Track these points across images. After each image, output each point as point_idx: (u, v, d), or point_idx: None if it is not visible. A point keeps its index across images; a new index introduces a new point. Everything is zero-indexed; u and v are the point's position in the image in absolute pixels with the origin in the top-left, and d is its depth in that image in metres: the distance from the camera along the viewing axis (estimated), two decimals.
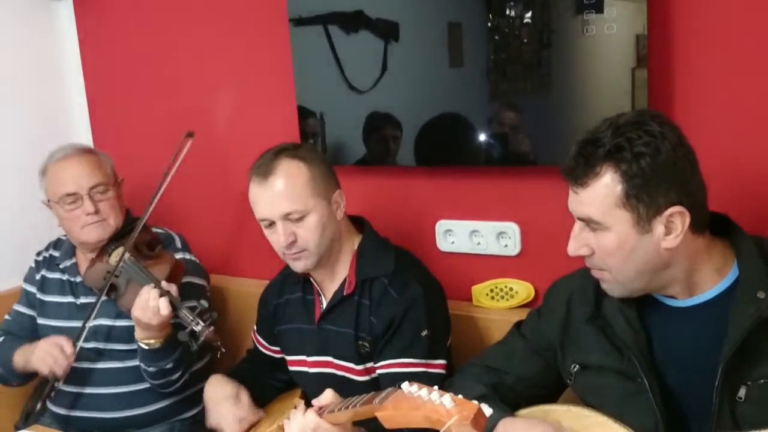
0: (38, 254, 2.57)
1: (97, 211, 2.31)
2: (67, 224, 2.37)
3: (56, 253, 2.51)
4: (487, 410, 1.28)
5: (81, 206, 2.31)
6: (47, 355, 2.22)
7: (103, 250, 2.32)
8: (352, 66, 2.36)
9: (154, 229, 2.41)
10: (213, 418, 2.08)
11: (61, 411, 2.42)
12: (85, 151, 2.41)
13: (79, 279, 2.41)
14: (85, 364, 2.37)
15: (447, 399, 1.29)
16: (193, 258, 2.48)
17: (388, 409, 1.39)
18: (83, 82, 3.12)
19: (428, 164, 2.35)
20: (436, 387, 1.34)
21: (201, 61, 2.79)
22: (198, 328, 2.06)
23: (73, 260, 2.46)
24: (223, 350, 2.14)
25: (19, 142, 2.93)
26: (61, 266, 2.46)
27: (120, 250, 2.23)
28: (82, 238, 2.36)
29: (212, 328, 2.07)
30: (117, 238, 2.33)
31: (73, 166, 2.34)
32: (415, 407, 1.33)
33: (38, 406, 2.28)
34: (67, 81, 3.12)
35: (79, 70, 3.11)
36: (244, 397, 2.08)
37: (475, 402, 1.28)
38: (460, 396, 1.30)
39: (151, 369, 2.22)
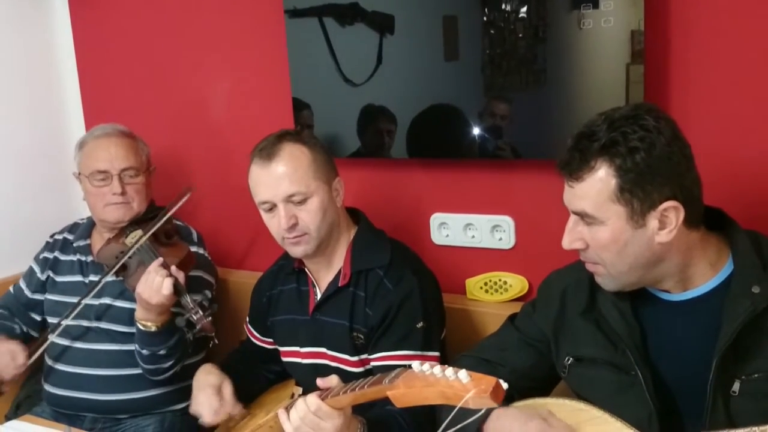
0: (51, 236, 2.61)
1: (123, 193, 2.37)
2: (91, 199, 2.42)
3: (70, 236, 2.56)
4: (505, 384, 1.28)
5: (109, 185, 2.38)
6: None
7: (122, 231, 2.38)
8: (347, 58, 2.36)
9: (175, 221, 2.47)
10: (193, 405, 2.09)
11: (51, 389, 2.43)
12: (125, 134, 2.47)
13: (90, 258, 2.46)
14: (82, 344, 2.40)
15: (463, 374, 1.28)
16: (206, 254, 2.52)
17: (399, 387, 1.39)
18: (77, 72, 3.11)
19: (423, 157, 2.36)
20: (447, 366, 1.34)
21: (196, 53, 2.79)
22: (196, 317, 2.12)
23: (88, 241, 2.51)
24: (217, 341, 2.18)
25: (13, 132, 2.93)
26: (74, 245, 2.51)
27: (138, 232, 2.29)
28: (102, 216, 2.41)
29: (210, 318, 2.13)
30: (137, 222, 2.38)
31: (110, 146, 2.40)
32: (429, 384, 1.33)
33: None
34: (61, 71, 3.11)
35: (72, 61, 3.10)
36: (227, 389, 2.07)
37: (493, 377, 1.28)
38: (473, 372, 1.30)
39: (144, 352, 2.24)
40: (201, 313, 2.12)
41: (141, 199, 2.41)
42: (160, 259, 2.16)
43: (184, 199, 2.30)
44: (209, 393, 2.05)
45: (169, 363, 2.28)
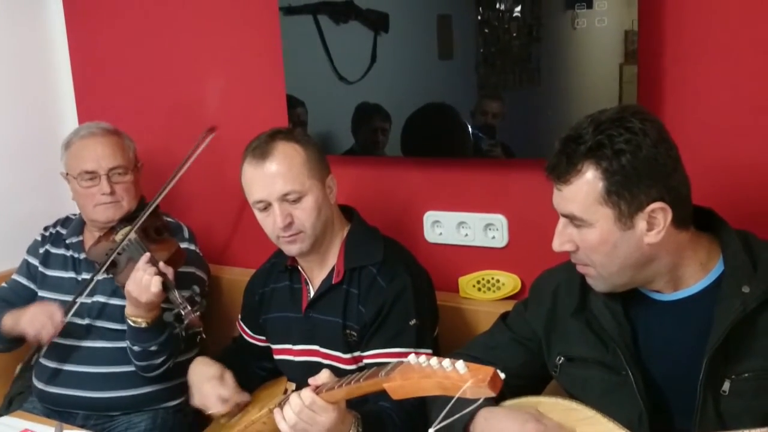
0: (45, 229, 2.60)
1: (112, 192, 2.36)
2: (80, 200, 2.41)
3: (63, 230, 2.55)
4: (502, 374, 1.29)
5: (98, 185, 2.36)
6: (36, 319, 2.25)
7: (112, 229, 2.37)
8: (341, 56, 2.36)
9: (165, 218, 2.46)
10: (197, 398, 2.09)
11: (43, 386, 2.42)
12: (111, 132, 2.45)
13: (83, 256, 2.45)
14: (75, 341, 2.39)
15: (460, 365, 1.29)
16: (197, 250, 2.52)
17: (396, 380, 1.39)
18: (70, 69, 3.10)
19: (417, 155, 2.36)
20: (444, 357, 1.35)
21: (191, 50, 2.78)
22: (184, 312, 2.10)
23: (80, 237, 2.50)
24: (204, 336, 2.18)
25: (6, 128, 2.93)
26: (67, 242, 2.50)
27: (127, 229, 2.27)
28: (92, 216, 2.40)
29: (198, 313, 2.12)
30: (127, 220, 2.37)
31: (97, 146, 2.39)
32: (426, 375, 1.34)
33: (18, 369, 2.34)
34: (55, 68, 3.10)
35: (66, 58, 3.10)
36: (229, 377, 2.08)
37: (490, 367, 1.29)
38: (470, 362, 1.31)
39: (136, 348, 2.24)
40: (189, 308, 2.11)
41: (130, 197, 2.40)
42: (148, 255, 2.16)
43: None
44: (214, 383, 2.05)
45: (161, 359, 2.27)
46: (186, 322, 2.11)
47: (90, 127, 2.45)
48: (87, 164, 2.36)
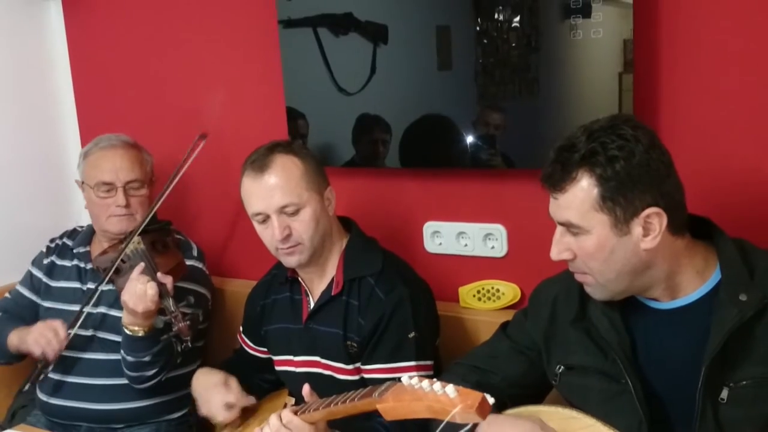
0: (51, 241, 2.61)
1: (127, 205, 2.38)
2: (94, 210, 2.43)
3: (69, 242, 2.56)
4: (491, 398, 1.29)
5: (113, 197, 2.38)
6: (41, 337, 2.25)
7: (121, 241, 2.37)
8: (341, 68, 2.36)
9: (177, 235, 2.47)
10: (204, 408, 2.10)
11: (47, 398, 2.43)
12: (130, 145, 2.47)
13: (89, 266, 2.46)
14: (78, 353, 2.40)
15: (450, 389, 1.30)
16: (204, 269, 2.52)
17: (388, 401, 1.40)
18: (72, 82, 3.11)
19: (416, 166, 2.37)
20: (436, 379, 1.35)
21: (190, 62, 2.79)
22: (175, 320, 2.12)
23: (87, 248, 2.51)
24: (189, 345, 2.23)
25: (8, 140, 2.93)
26: (74, 251, 2.51)
27: (135, 238, 2.27)
28: (105, 227, 2.42)
29: (188, 323, 2.14)
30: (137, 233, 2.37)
31: (116, 158, 2.41)
32: (418, 398, 1.34)
33: (26, 386, 2.34)
34: (56, 81, 3.11)
35: (67, 70, 3.10)
36: (233, 383, 2.09)
37: (479, 391, 1.29)
38: (461, 386, 1.32)
39: (129, 358, 2.24)
40: (180, 315, 2.12)
41: (144, 210, 2.40)
42: (142, 265, 2.16)
43: (199, 148, 2.28)
44: (219, 390, 2.06)
45: (153, 371, 2.27)
46: (174, 330, 2.13)
47: (111, 139, 2.46)
48: (105, 175, 2.38)
